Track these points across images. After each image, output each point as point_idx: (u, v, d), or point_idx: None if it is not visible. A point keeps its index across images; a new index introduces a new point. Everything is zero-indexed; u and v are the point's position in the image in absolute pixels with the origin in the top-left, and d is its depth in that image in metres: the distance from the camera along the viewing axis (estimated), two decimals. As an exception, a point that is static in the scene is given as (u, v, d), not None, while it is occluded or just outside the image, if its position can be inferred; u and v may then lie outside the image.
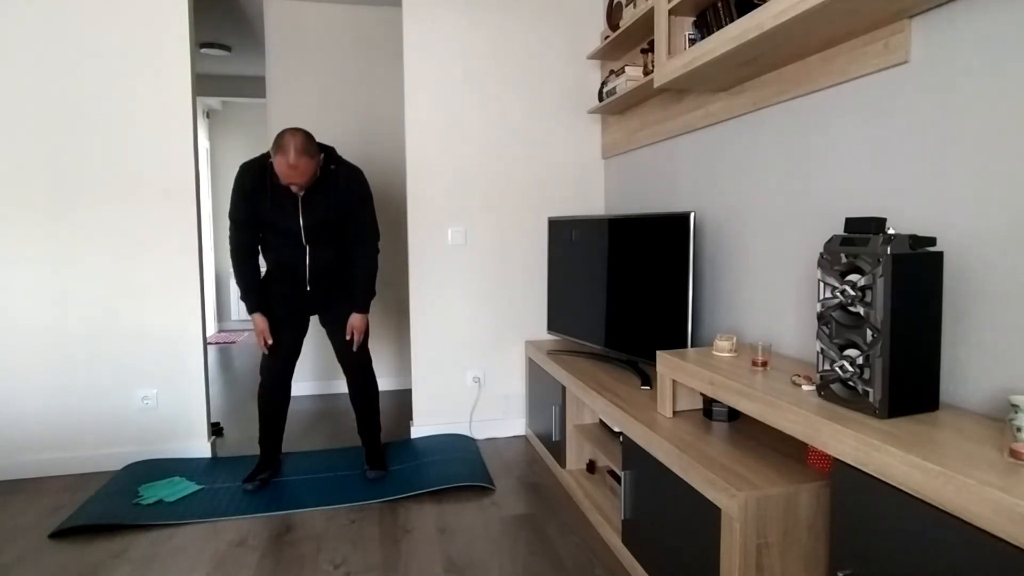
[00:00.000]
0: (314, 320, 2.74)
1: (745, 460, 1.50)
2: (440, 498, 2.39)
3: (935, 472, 0.97)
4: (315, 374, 3.93)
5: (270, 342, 2.39)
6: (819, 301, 1.34)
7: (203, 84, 5.59)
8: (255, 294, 2.38)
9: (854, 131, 1.57)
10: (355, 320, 2.44)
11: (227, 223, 2.45)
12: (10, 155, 2.54)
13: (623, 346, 2.38)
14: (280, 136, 2.15)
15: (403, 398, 3.82)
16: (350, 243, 2.43)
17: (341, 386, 3.87)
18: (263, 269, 2.47)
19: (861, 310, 1.23)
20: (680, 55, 1.88)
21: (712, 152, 2.22)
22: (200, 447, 2.78)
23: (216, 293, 6.38)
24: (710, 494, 1.42)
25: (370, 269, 2.45)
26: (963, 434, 1.11)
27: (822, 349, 1.34)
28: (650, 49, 2.41)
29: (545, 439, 2.79)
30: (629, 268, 2.35)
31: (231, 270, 6.41)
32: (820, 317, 1.34)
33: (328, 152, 2.35)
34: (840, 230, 1.64)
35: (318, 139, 2.88)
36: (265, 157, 2.31)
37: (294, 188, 2.24)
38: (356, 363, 2.53)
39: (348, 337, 2.45)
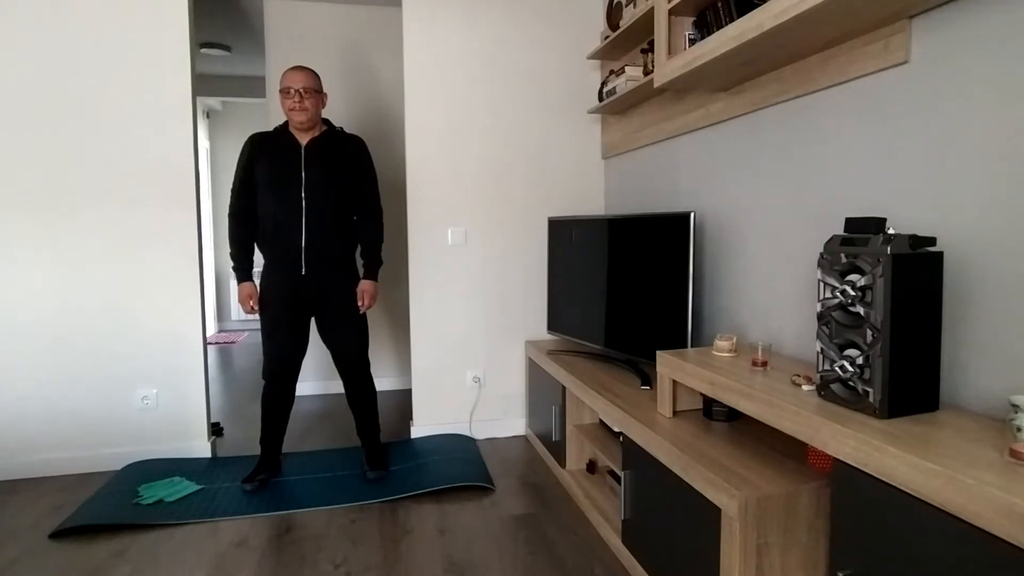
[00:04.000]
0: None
1: (745, 460, 1.50)
2: (440, 498, 2.39)
3: (935, 472, 0.97)
4: (316, 374, 3.93)
5: (254, 306, 2.44)
6: (819, 301, 1.34)
7: (203, 84, 5.59)
8: (245, 261, 2.47)
9: (854, 131, 1.57)
10: (367, 286, 2.53)
11: (227, 223, 2.47)
12: (10, 155, 2.54)
13: (623, 346, 2.38)
14: None
15: (403, 398, 3.82)
16: (357, 215, 2.53)
17: (341, 386, 3.87)
18: (260, 270, 2.47)
19: (861, 310, 1.23)
20: (680, 55, 1.88)
21: (712, 152, 2.22)
22: (200, 447, 2.78)
23: (216, 293, 6.38)
24: (710, 494, 1.42)
25: (379, 239, 2.58)
26: (963, 434, 1.11)
27: (822, 349, 1.34)
28: (650, 49, 2.41)
29: (545, 439, 2.79)
30: (629, 268, 2.34)
31: (231, 269, 6.47)
32: (820, 317, 1.34)
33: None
34: (840, 230, 1.64)
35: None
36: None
37: (298, 116, 2.34)
38: (354, 366, 2.53)
39: (360, 303, 2.51)
